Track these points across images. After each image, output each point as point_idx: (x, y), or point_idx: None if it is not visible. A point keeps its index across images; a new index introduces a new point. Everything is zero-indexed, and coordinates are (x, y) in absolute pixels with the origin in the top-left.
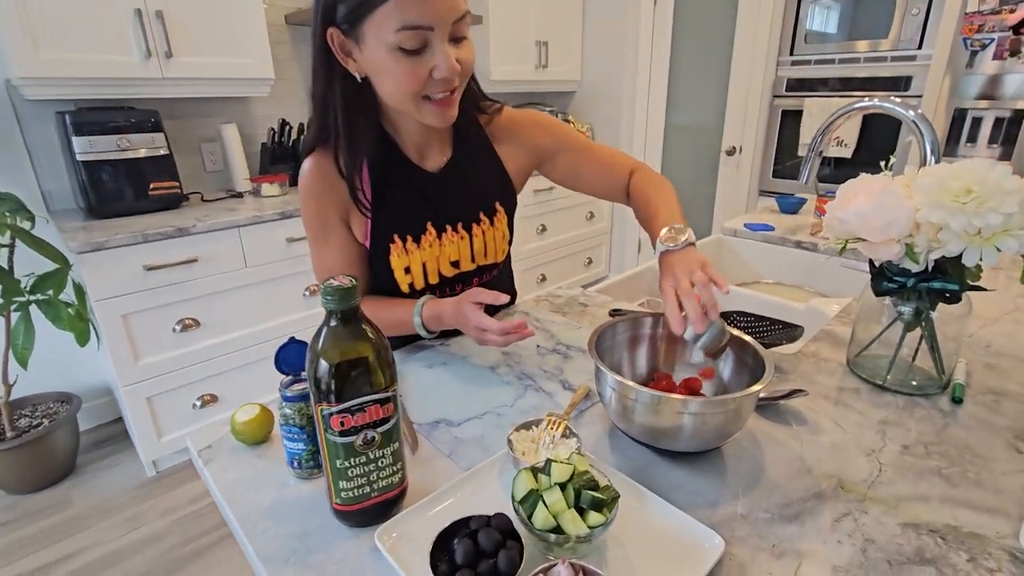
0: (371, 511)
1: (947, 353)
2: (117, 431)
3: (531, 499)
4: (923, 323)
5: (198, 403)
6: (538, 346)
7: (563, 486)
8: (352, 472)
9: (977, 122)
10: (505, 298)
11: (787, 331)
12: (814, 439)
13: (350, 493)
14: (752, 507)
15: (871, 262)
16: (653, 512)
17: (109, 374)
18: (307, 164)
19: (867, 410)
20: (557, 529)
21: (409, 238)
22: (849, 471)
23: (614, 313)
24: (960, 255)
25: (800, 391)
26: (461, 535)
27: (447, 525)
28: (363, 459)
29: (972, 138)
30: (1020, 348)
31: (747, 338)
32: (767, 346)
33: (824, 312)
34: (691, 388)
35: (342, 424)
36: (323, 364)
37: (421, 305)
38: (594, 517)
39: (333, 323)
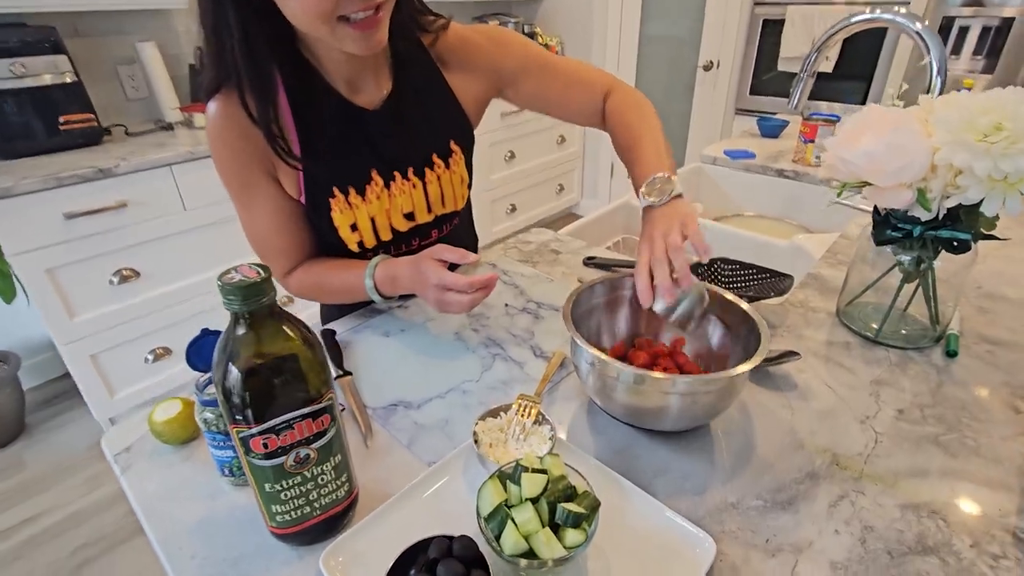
0: (315, 530)
1: (944, 303)
2: (67, 386)
3: (499, 516)
4: (922, 273)
5: (150, 357)
6: (506, 305)
7: (535, 499)
8: (286, 495)
9: (963, 32)
10: (474, 257)
11: (775, 281)
12: (805, 406)
13: (286, 516)
14: (743, 493)
15: (875, 208)
16: (637, 510)
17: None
18: (212, 109)
19: (859, 368)
20: (530, 552)
21: (352, 190)
22: (843, 443)
23: (588, 262)
24: (979, 202)
25: (793, 354)
26: (419, 565)
27: (403, 552)
28: (298, 479)
29: (956, 50)
30: (1012, 288)
31: (744, 305)
32: (754, 299)
33: (809, 251)
34: (677, 356)
35: (265, 446)
36: (233, 377)
37: (373, 266)
38: (572, 536)
39: (241, 329)
